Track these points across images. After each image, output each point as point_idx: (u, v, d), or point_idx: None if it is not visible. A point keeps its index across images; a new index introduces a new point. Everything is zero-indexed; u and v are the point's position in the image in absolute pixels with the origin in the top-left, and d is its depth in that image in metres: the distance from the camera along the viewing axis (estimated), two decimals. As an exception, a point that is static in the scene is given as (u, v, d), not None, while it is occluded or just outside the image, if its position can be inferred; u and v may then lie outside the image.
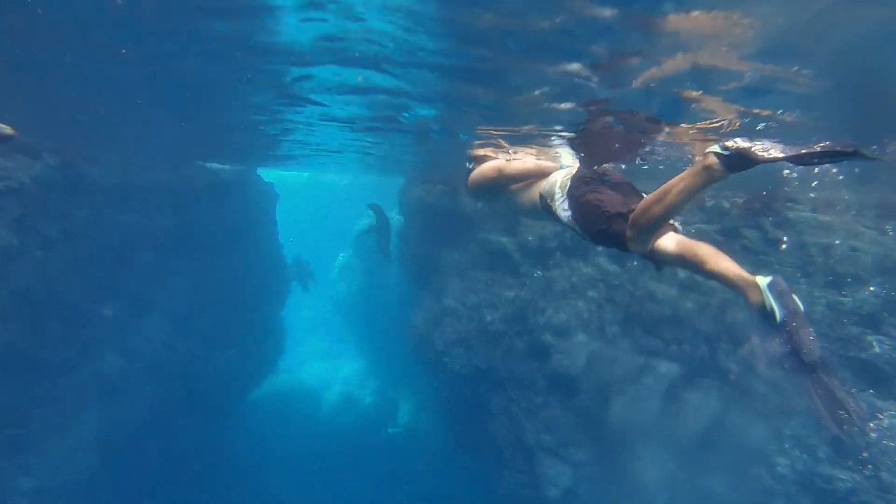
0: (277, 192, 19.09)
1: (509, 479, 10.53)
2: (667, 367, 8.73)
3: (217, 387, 15.50)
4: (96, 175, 11.39)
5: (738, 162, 2.68)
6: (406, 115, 6.26)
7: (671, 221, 3.42)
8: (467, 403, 11.17)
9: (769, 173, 7.97)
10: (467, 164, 5.29)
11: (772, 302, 2.85)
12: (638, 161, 7.91)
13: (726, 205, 9.06)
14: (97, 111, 7.72)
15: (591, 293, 9.81)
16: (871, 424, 6.94)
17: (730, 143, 2.70)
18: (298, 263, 22.48)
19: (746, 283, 3.02)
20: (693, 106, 4.93)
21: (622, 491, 8.82)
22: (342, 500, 15.77)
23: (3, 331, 9.52)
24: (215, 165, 15.38)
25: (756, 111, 4.98)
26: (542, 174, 4.28)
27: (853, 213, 8.25)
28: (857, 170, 6.95)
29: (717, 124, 5.39)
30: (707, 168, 2.81)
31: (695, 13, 3.30)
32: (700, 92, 4.59)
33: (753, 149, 2.62)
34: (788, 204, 8.51)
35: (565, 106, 5.15)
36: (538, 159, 4.91)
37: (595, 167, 4.00)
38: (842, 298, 7.72)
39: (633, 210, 3.27)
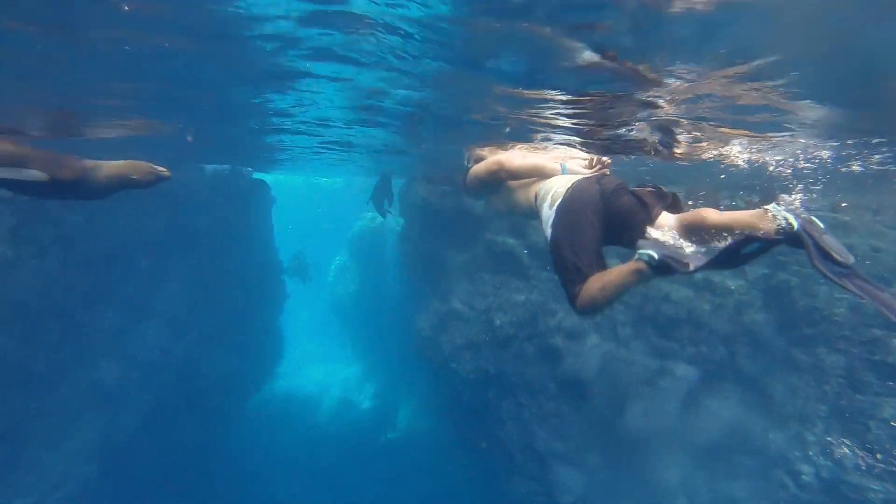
0: (273, 195, 18.79)
1: (520, 486, 10.32)
2: (684, 370, 8.53)
3: (216, 393, 15.20)
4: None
5: (665, 270, 2.83)
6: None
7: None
8: (475, 409, 10.94)
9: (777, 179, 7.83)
10: (466, 163, 5.22)
11: (784, 214, 2.75)
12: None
13: (740, 205, 8.89)
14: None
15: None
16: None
17: (654, 254, 2.82)
18: (298, 259, 22.19)
19: (757, 216, 2.91)
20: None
21: (638, 497, 8.62)
22: (342, 505, 15.56)
23: (-4, 341, 9.19)
24: (210, 167, 15.07)
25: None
26: (543, 174, 4.23)
27: (871, 213, 8.10)
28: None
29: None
30: (638, 271, 2.92)
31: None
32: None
33: (674, 263, 2.76)
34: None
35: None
36: (542, 157, 4.72)
37: (599, 177, 3.86)
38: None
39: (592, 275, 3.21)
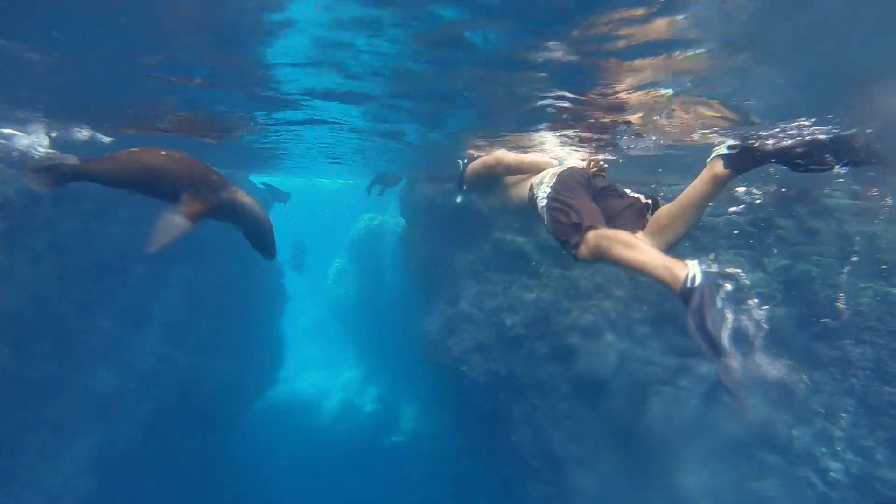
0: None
1: (535, 490, 10.04)
2: (706, 369, 8.26)
3: (216, 400, 14.89)
4: (82, 184, 10.70)
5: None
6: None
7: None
8: (485, 412, 10.65)
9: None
10: (462, 160, 5.30)
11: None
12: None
13: (758, 193, 8.63)
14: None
15: (617, 292, 9.34)
16: None
17: (698, 279, 2.66)
18: (298, 250, 21.95)
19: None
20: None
21: (659, 500, 8.35)
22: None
23: (-13, 352, 8.86)
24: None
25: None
26: (539, 170, 4.31)
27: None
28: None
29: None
30: (672, 273, 2.77)
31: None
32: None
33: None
34: (825, 191, 8.11)
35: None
36: (539, 155, 4.95)
37: (589, 168, 4.11)
38: (891, 289, 7.31)
39: (594, 227, 3.24)
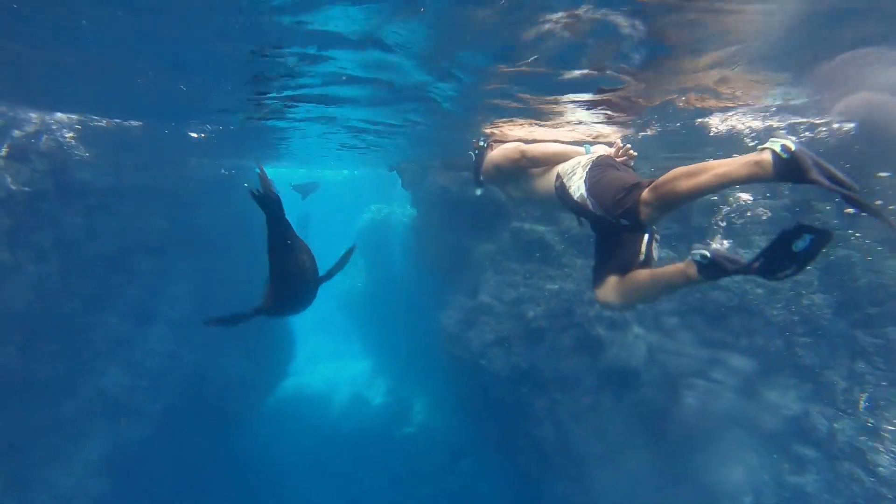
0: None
1: (557, 486, 9.78)
2: (739, 362, 7.94)
3: (227, 397, 14.64)
4: (88, 177, 10.41)
5: (791, 172, 2.44)
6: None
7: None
8: (506, 406, 10.36)
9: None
10: (473, 151, 5.13)
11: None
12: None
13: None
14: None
15: (643, 282, 8.98)
16: None
17: (792, 147, 2.44)
18: (305, 221, 22.03)
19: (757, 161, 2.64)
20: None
21: (692, 496, 8.06)
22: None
23: (-6, 354, 8.58)
24: (211, 162, 14.42)
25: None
26: (565, 158, 4.14)
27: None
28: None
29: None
30: (758, 163, 2.53)
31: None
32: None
33: (812, 167, 2.40)
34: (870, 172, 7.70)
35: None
36: (562, 143, 4.51)
37: (618, 156, 3.96)
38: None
39: (643, 184, 3.13)
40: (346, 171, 26.00)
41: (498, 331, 9.74)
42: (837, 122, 6.88)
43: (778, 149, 2.45)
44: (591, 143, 4.30)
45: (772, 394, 7.91)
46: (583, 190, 3.57)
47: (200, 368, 13.62)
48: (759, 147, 2.56)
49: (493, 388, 10.26)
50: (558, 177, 3.96)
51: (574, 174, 3.76)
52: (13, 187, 8.47)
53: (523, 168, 4.39)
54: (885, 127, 6.34)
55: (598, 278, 3.52)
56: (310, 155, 14.74)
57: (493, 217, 10.53)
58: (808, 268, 7.96)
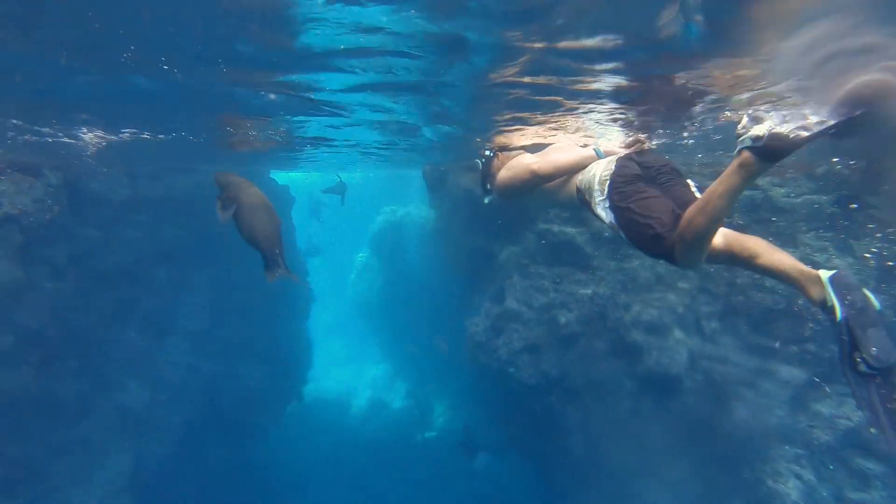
0: (293, 194, 17.92)
1: (594, 499, 9.36)
2: (789, 370, 7.46)
3: (247, 408, 14.40)
4: (102, 190, 10.21)
5: (777, 151, 2.39)
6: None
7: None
8: (535, 413, 9.95)
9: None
10: (480, 159, 4.98)
11: (833, 297, 2.51)
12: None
13: (842, 170, 7.73)
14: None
15: (681, 284, 8.52)
16: None
17: (759, 132, 2.40)
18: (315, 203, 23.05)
19: (807, 277, 2.72)
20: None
21: (741, 511, 7.60)
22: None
23: (11, 375, 8.33)
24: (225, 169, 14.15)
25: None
26: (580, 167, 3.95)
27: None
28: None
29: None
30: (742, 165, 2.53)
31: None
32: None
33: (787, 131, 2.34)
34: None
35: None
36: (571, 148, 4.27)
37: (634, 152, 3.65)
38: None
39: (683, 215, 2.93)
40: (359, 173, 25.75)
41: (528, 338, 9.33)
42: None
43: (749, 143, 2.45)
44: (601, 148, 4.04)
45: (826, 404, 7.41)
46: (611, 218, 3.40)
47: (219, 379, 13.43)
48: (735, 151, 2.55)
49: (520, 395, 9.88)
50: (579, 190, 3.82)
51: (593, 190, 3.58)
52: (26, 202, 8.22)
53: (536, 185, 4.24)
54: None
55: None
56: (334, 162, 14.47)
57: (518, 219, 10.11)
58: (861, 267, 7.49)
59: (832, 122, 2.36)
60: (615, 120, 6.64)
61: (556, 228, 9.46)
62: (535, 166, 4.15)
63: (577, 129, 7.32)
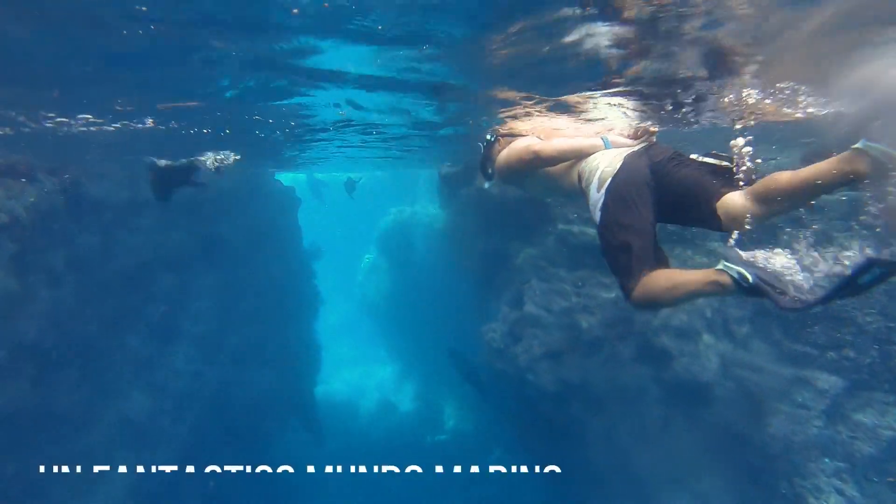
0: (298, 195, 17.63)
1: (616, 509, 8.95)
2: (826, 382, 7.03)
3: (254, 412, 14.04)
4: (102, 193, 9.84)
5: (754, 294, 2.37)
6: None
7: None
8: (553, 421, 9.56)
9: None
10: (482, 143, 4.83)
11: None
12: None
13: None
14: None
15: (710, 287, 8.08)
16: None
17: (747, 274, 2.36)
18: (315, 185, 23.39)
19: (849, 157, 2.42)
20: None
21: (778, 527, 7.17)
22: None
23: (5, 388, 7.97)
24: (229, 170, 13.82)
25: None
26: (584, 154, 3.78)
27: None
28: None
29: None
30: (719, 283, 2.48)
31: None
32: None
33: (770, 291, 2.28)
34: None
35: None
36: (578, 134, 4.19)
37: (643, 146, 3.44)
38: None
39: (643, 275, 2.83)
40: (367, 172, 25.51)
41: (548, 344, 8.92)
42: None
43: (734, 276, 2.39)
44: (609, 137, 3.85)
45: (868, 413, 6.97)
46: (597, 217, 3.22)
47: (226, 386, 13.08)
48: (719, 267, 2.46)
49: (539, 402, 9.49)
50: (580, 178, 3.67)
51: (591, 185, 3.38)
52: (19, 209, 7.85)
53: (538, 167, 4.10)
54: None
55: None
56: (343, 162, 14.16)
57: (535, 219, 9.69)
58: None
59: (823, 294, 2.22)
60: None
61: (576, 229, 9.04)
62: (537, 147, 4.01)
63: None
